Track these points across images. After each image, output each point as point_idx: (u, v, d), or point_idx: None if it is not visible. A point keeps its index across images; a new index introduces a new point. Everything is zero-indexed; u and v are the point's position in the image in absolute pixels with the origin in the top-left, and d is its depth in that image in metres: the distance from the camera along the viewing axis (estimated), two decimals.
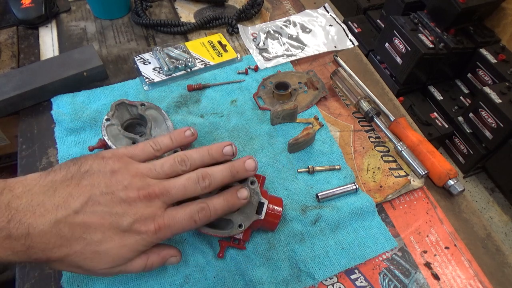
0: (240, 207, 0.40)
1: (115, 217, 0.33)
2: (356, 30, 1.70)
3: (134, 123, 0.54)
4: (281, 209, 0.44)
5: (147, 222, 0.34)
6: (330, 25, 0.76)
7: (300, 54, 0.69)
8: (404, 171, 0.54)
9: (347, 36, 0.75)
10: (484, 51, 1.46)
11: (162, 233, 0.35)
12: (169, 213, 0.36)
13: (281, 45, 0.71)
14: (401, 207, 0.51)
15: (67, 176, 0.34)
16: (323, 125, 0.58)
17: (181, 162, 0.37)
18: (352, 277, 0.45)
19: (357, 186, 0.51)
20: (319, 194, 0.50)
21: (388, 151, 0.57)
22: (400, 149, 0.55)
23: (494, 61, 1.44)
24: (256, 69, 0.66)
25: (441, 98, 1.57)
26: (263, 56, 0.68)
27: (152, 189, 0.35)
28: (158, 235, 0.35)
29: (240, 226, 0.41)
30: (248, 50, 0.70)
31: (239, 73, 0.65)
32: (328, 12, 0.79)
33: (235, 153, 0.40)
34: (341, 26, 0.76)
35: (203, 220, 0.37)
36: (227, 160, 0.39)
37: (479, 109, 1.39)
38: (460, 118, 1.51)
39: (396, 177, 0.53)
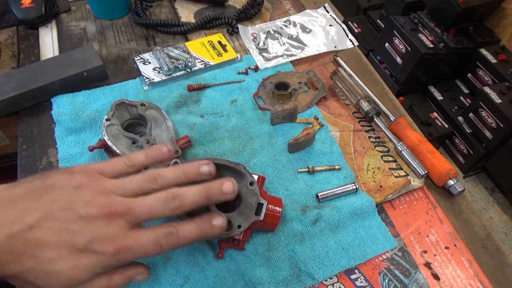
0: (218, 233, 0.37)
1: (71, 235, 0.31)
2: (356, 30, 1.70)
3: (134, 123, 0.54)
4: (280, 209, 0.44)
5: (105, 242, 0.31)
6: (330, 25, 0.76)
7: (300, 54, 0.69)
8: (404, 171, 0.54)
9: (347, 36, 0.75)
10: (484, 51, 1.46)
11: (122, 255, 0.32)
12: (132, 234, 0.33)
13: (281, 45, 0.71)
14: (401, 207, 0.51)
15: (29, 189, 0.32)
16: (323, 125, 0.58)
17: (152, 180, 0.35)
18: (352, 277, 0.45)
19: (357, 186, 0.51)
20: (319, 194, 0.50)
21: (388, 151, 0.57)
22: (400, 149, 0.55)
23: (494, 61, 1.43)
24: (256, 69, 0.66)
25: (441, 98, 1.57)
26: (263, 56, 0.68)
27: (115, 207, 0.32)
28: (118, 258, 0.32)
29: (239, 227, 0.41)
30: (248, 50, 0.70)
31: (239, 73, 0.65)
32: (328, 12, 0.79)
33: (213, 173, 0.37)
34: (341, 26, 0.76)
35: (170, 246, 0.34)
36: (205, 180, 0.36)
37: (479, 109, 1.39)
38: (460, 118, 1.51)
39: (396, 177, 0.53)
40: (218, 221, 0.36)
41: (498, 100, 1.32)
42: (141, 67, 0.63)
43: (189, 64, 0.64)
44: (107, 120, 0.50)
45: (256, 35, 0.72)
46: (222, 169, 0.44)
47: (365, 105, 0.59)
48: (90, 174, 0.34)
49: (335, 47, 0.72)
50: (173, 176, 0.36)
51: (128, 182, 0.35)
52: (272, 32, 0.73)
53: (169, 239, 0.33)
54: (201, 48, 0.67)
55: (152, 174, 0.35)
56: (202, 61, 0.65)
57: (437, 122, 1.51)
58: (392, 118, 0.59)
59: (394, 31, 1.46)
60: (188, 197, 0.34)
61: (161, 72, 0.63)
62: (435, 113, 1.53)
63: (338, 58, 0.68)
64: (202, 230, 0.35)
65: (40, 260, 0.30)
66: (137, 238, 0.33)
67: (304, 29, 0.75)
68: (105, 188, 0.34)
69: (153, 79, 0.62)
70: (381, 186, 0.52)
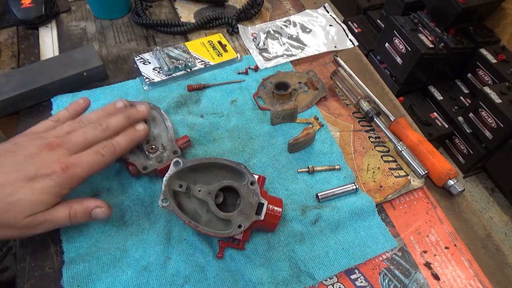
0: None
1: (20, 171, 0.36)
2: (356, 30, 1.70)
3: None
4: (280, 209, 0.44)
5: (51, 165, 0.37)
6: (330, 25, 0.76)
7: (300, 54, 0.69)
8: (404, 171, 0.54)
9: (347, 36, 0.75)
10: (484, 51, 1.46)
11: (71, 171, 0.38)
12: (75, 155, 0.39)
13: (281, 45, 0.71)
14: (401, 207, 0.51)
15: None
16: (323, 125, 0.58)
17: (78, 121, 0.43)
18: (352, 277, 0.45)
19: (357, 186, 0.51)
20: (319, 194, 0.50)
21: (388, 151, 0.57)
22: (400, 149, 0.55)
23: (494, 61, 1.44)
24: (256, 69, 0.66)
25: (441, 98, 1.57)
26: (263, 56, 0.68)
27: (53, 140, 0.39)
28: (68, 173, 0.37)
29: (239, 226, 0.41)
30: (248, 50, 0.70)
31: (239, 73, 0.65)
32: (328, 12, 0.79)
33: (127, 105, 0.46)
34: (341, 26, 0.76)
35: (109, 153, 0.41)
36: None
37: (479, 109, 1.39)
38: (460, 118, 1.51)
39: (396, 177, 0.53)
40: (139, 126, 0.45)
41: (498, 100, 1.32)
42: (141, 67, 0.63)
43: (189, 64, 0.64)
44: None
45: (256, 35, 0.72)
46: (223, 169, 0.45)
47: (365, 105, 0.59)
48: (25, 134, 0.41)
49: (335, 47, 0.72)
50: (95, 117, 0.44)
51: (59, 126, 0.42)
52: (272, 32, 0.73)
53: (106, 148, 0.41)
54: (201, 48, 0.67)
55: (76, 120, 0.43)
56: (202, 61, 0.65)
57: (437, 122, 1.51)
58: (392, 118, 0.59)
59: (394, 31, 1.46)
60: (112, 120, 0.43)
61: (161, 72, 0.63)
62: (435, 113, 1.54)
63: (338, 58, 0.68)
64: (129, 136, 0.44)
65: (0, 197, 0.35)
66: (80, 155, 0.39)
67: (304, 29, 0.75)
68: (38, 134, 0.41)
69: (153, 79, 0.62)
70: (381, 186, 0.52)
